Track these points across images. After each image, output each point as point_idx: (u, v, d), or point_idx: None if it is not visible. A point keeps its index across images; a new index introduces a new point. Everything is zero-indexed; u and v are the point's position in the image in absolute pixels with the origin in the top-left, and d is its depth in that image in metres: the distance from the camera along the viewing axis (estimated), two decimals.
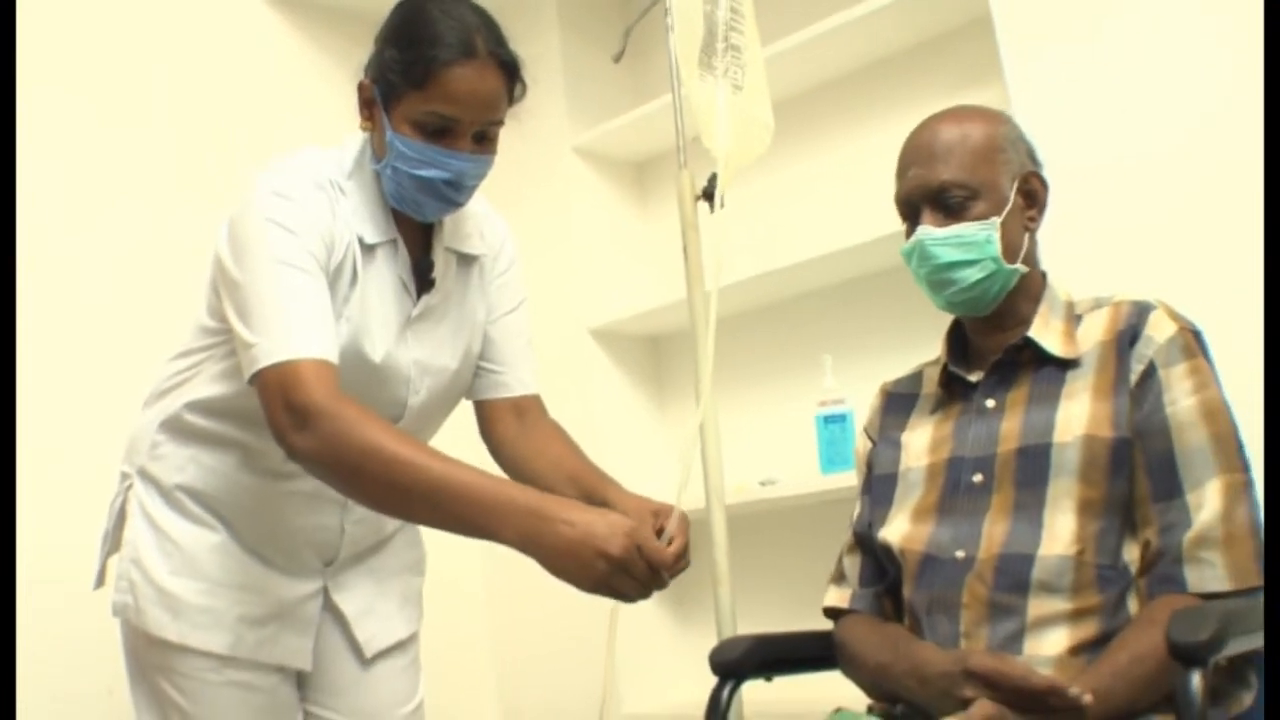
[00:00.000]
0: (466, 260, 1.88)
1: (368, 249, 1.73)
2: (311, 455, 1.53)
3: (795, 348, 2.96)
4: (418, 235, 1.81)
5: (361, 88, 1.73)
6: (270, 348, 1.56)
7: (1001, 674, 1.35)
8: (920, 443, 1.71)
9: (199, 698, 1.74)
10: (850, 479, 2.42)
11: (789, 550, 2.85)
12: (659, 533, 1.55)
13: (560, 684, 2.89)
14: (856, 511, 1.81)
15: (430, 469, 1.48)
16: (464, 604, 3.30)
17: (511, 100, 1.72)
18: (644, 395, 3.31)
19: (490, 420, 1.95)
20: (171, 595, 1.74)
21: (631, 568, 1.42)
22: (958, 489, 1.62)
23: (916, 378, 1.83)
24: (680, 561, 1.49)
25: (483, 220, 1.92)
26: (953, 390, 1.72)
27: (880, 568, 1.74)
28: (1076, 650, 1.48)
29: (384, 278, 1.75)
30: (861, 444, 1.86)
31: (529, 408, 1.96)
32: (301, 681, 1.85)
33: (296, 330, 1.57)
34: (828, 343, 2.81)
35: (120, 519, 1.82)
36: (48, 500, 2.43)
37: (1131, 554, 1.53)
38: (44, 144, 2.64)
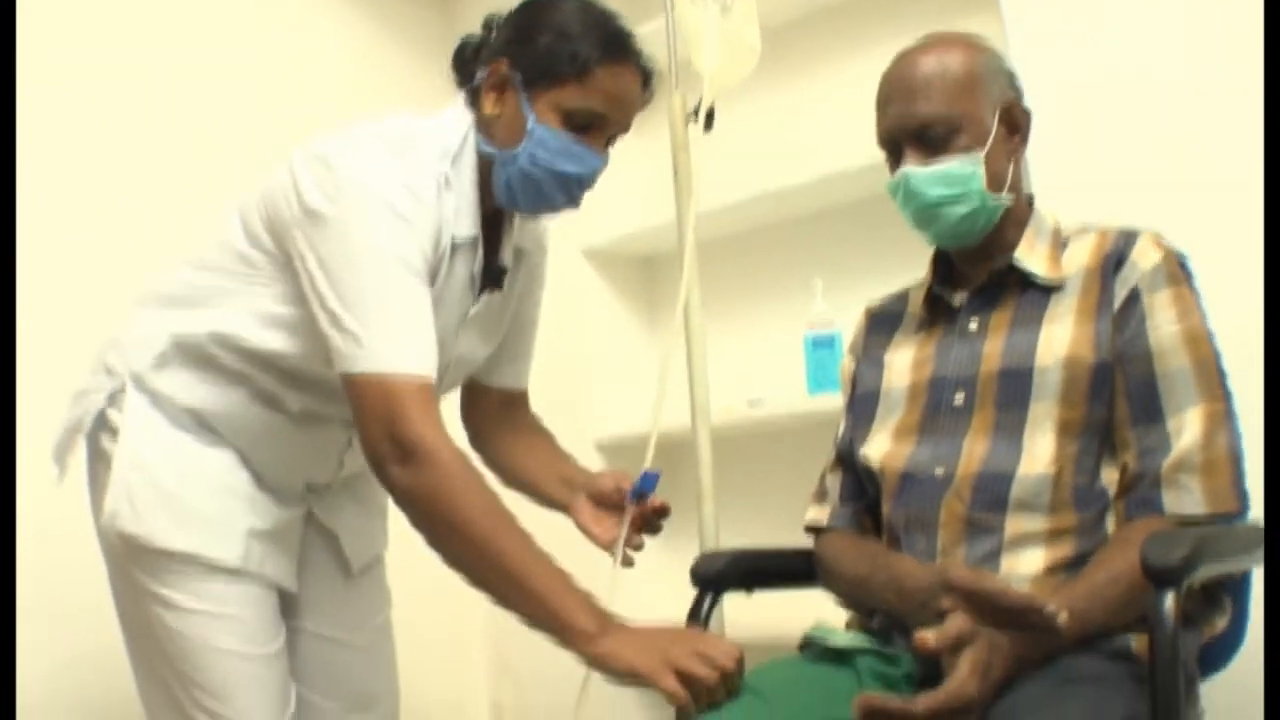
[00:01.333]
0: (520, 255, 1.87)
1: (454, 248, 1.68)
2: (408, 495, 1.54)
3: (786, 271, 2.95)
4: (489, 231, 1.76)
5: (496, 69, 1.67)
6: (377, 351, 1.53)
7: (980, 588, 1.37)
8: (903, 362, 1.72)
9: (197, 613, 1.69)
10: (836, 401, 2.40)
11: (774, 470, 2.86)
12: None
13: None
14: (840, 430, 1.82)
15: (521, 550, 1.50)
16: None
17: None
18: (636, 316, 3.31)
19: (475, 402, 1.97)
20: (180, 502, 1.69)
21: (706, 649, 1.41)
22: (939, 409, 1.64)
23: (901, 298, 1.83)
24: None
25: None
26: (936, 312, 1.73)
27: (860, 485, 1.76)
28: (1053, 569, 1.49)
29: (458, 276, 1.72)
30: (847, 363, 1.87)
31: (517, 402, 1.99)
32: (283, 599, 1.84)
33: (406, 340, 1.55)
34: (819, 267, 2.79)
35: (101, 419, 1.74)
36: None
37: (1109, 476, 1.54)
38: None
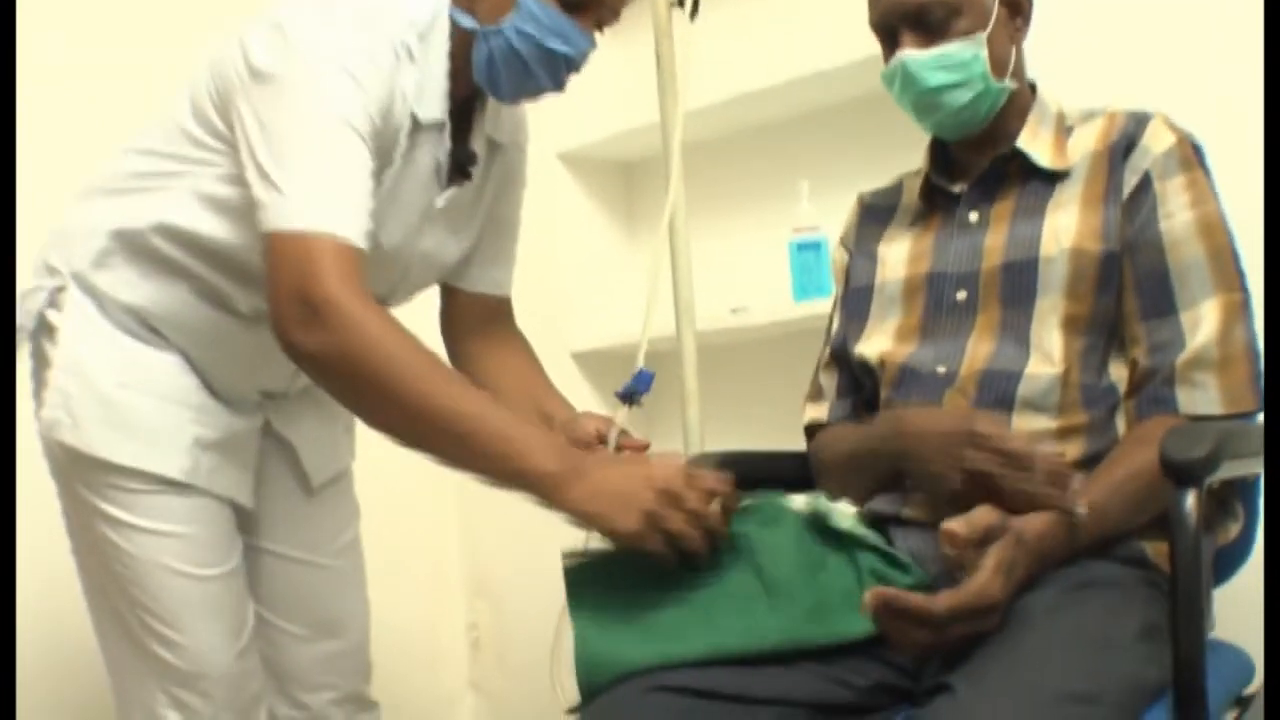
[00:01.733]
0: (494, 148, 1.74)
1: (416, 128, 1.56)
2: (317, 359, 1.37)
3: (771, 174, 2.85)
4: (455, 120, 1.63)
5: None
6: (297, 208, 1.39)
7: (1008, 448, 1.30)
8: (897, 255, 1.63)
9: (142, 531, 1.59)
10: (823, 307, 2.34)
11: (760, 380, 2.78)
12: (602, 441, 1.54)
13: (527, 549, 2.76)
14: (833, 326, 1.74)
15: (460, 399, 1.36)
16: (430, 476, 3.19)
17: None
18: (614, 224, 3.20)
19: (455, 310, 1.83)
20: (120, 410, 1.59)
21: (683, 497, 1.31)
22: (940, 307, 1.55)
23: (895, 189, 1.74)
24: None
25: (523, 105, 1.75)
26: (934, 202, 1.64)
27: (856, 381, 1.68)
28: None
29: (421, 162, 1.60)
30: (839, 256, 1.78)
31: (499, 312, 1.85)
32: (239, 516, 1.74)
33: (333, 200, 1.41)
34: (805, 169, 2.69)
35: (42, 322, 1.63)
36: None
37: (1118, 373, 1.48)
38: None
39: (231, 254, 1.57)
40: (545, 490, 1.32)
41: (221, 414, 1.67)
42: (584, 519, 1.33)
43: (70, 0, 2.58)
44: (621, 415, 1.62)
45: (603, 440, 1.62)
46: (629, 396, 1.64)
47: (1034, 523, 1.27)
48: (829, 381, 1.72)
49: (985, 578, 1.20)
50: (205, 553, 1.64)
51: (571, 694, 1.39)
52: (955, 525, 1.22)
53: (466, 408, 1.35)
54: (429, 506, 3.19)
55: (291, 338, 1.37)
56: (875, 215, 1.73)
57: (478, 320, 1.83)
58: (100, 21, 2.51)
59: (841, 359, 1.69)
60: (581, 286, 3.09)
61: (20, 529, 1.62)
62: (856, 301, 1.66)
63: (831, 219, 2.44)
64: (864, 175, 2.56)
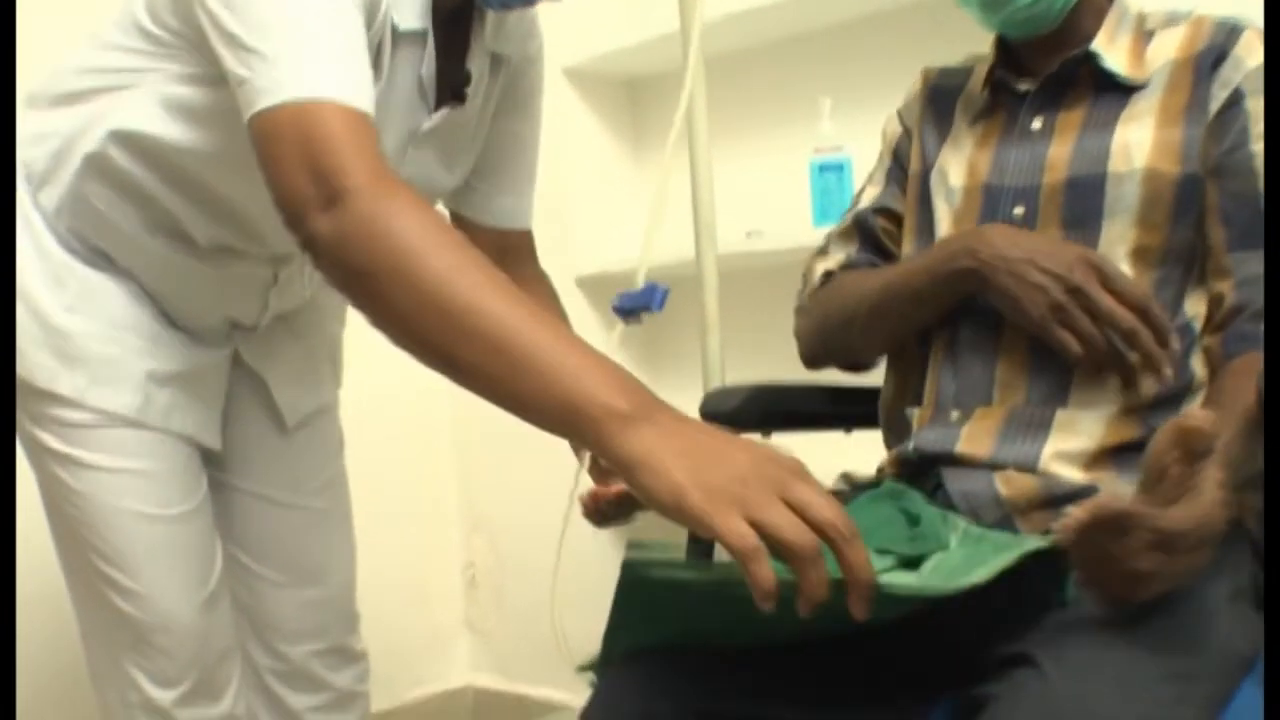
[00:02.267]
0: (497, 63, 1.53)
1: (397, 38, 1.35)
2: (337, 245, 1.09)
3: (791, 92, 2.69)
4: (447, 33, 1.42)
5: None
6: (290, 75, 1.14)
7: (1124, 280, 1.18)
8: (957, 165, 1.46)
9: (93, 469, 1.44)
10: None
11: (777, 309, 2.58)
12: None
13: (525, 484, 2.69)
14: (861, 194, 1.60)
15: (508, 303, 1.03)
16: (426, 408, 3.08)
17: None
18: (620, 143, 3.04)
19: None
20: (67, 337, 1.42)
21: (788, 488, 0.91)
22: (994, 221, 1.40)
23: (965, 71, 1.55)
24: None
25: (532, 15, 1.55)
26: (998, 99, 1.47)
27: (881, 251, 1.54)
28: (1131, 410, 1.28)
29: (402, 78, 1.39)
30: (891, 129, 1.61)
31: (518, 248, 1.64)
32: (207, 451, 1.58)
33: (333, 62, 1.17)
34: (826, 85, 2.53)
35: None
36: None
37: (1195, 308, 1.33)
38: None
39: (196, 172, 1.40)
40: (605, 432, 0.96)
41: (182, 345, 1.51)
42: (635, 465, 0.94)
43: None
44: (617, 334, 1.40)
45: None
46: (629, 311, 1.41)
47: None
48: (844, 248, 1.58)
49: (1212, 496, 0.96)
50: (162, 490, 1.48)
51: (573, 640, 1.29)
52: (1201, 419, 0.96)
53: (516, 313, 1.03)
54: (423, 438, 3.08)
55: (308, 223, 1.11)
56: (940, 99, 1.55)
57: (494, 255, 1.56)
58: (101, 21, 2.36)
59: (866, 231, 1.55)
60: (586, 209, 2.93)
61: (19, 528, 1.48)
62: (910, 184, 1.51)
63: (854, 138, 2.36)
64: (890, 93, 2.40)
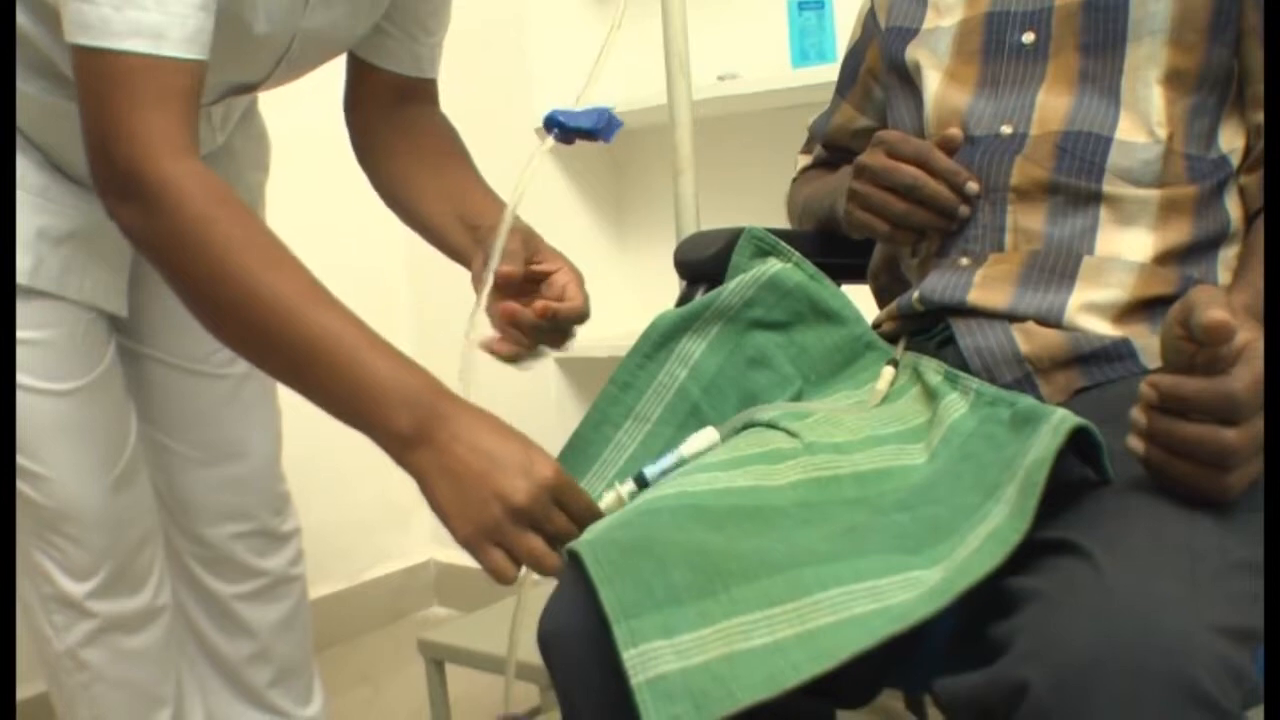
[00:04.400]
0: None
1: None
2: (141, 242, 1.08)
3: None
4: None
5: None
6: (105, 16, 1.03)
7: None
8: None
9: None
10: (827, 75, 2.04)
11: (753, 159, 2.48)
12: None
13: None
14: (829, 114, 1.49)
15: (306, 317, 1.04)
16: (381, 275, 2.91)
17: None
18: None
19: (361, 91, 1.46)
20: None
21: (541, 521, 1.02)
22: (1001, 51, 1.23)
23: None
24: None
25: None
26: None
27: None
28: (1163, 258, 1.14)
29: None
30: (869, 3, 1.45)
31: (417, 95, 1.47)
32: (115, 321, 1.43)
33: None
34: None
35: None
36: None
37: (1232, 141, 1.18)
38: None
39: (39, 52, 1.23)
40: (391, 450, 1.05)
41: (77, 199, 1.33)
42: (418, 479, 1.05)
43: None
44: (547, 146, 1.24)
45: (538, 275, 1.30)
46: (565, 129, 1.25)
47: None
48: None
49: (1257, 370, 0.82)
50: (59, 363, 1.32)
51: None
52: (1221, 313, 0.80)
53: (321, 321, 1.05)
54: (379, 307, 2.87)
55: (110, 208, 1.07)
56: None
57: (391, 101, 1.46)
58: None
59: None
60: (544, 49, 2.71)
61: None
62: (896, 39, 1.34)
63: None
64: None
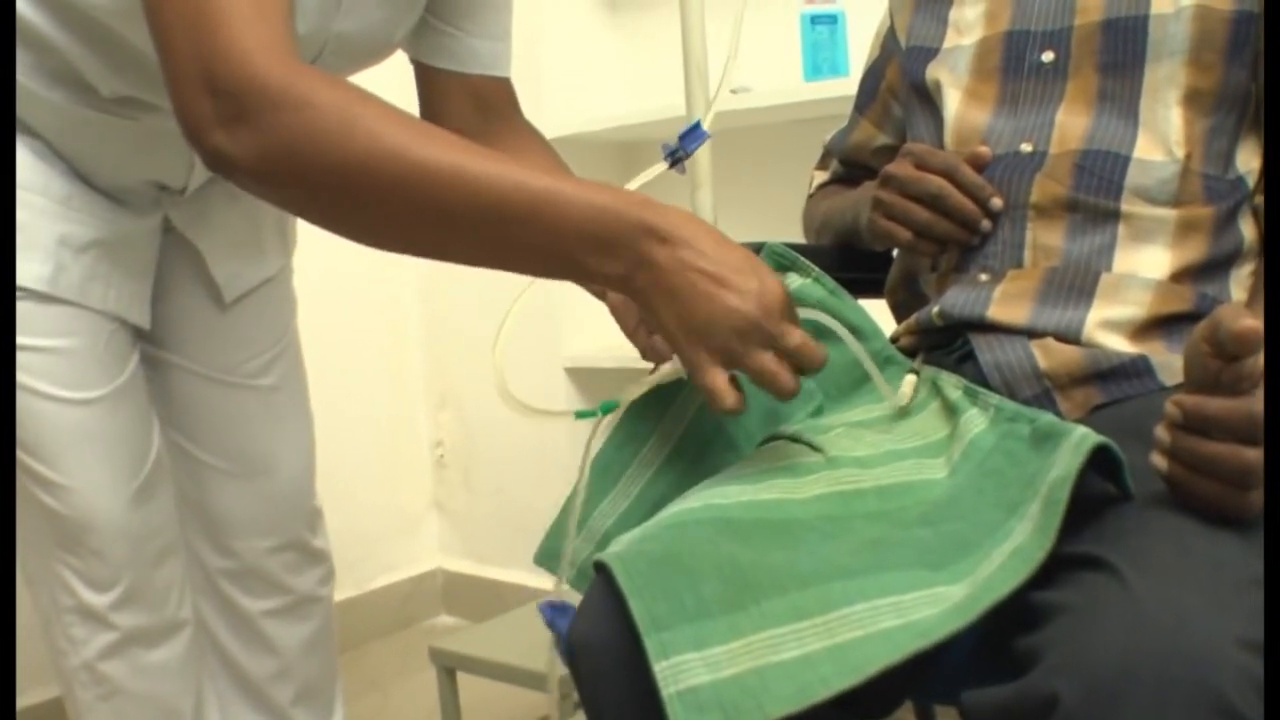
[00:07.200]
0: None
1: None
2: (256, 166, 0.97)
3: None
4: None
5: None
6: None
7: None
8: (973, 14, 1.30)
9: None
10: (839, 89, 2.08)
11: (764, 173, 2.49)
12: None
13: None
14: (847, 130, 1.50)
15: (486, 173, 0.96)
16: (390, 276, 2.94)
17: None
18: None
19: (438, 102, 1.42)
20: None
21: (775, 337, 0.98)
22: (1021, 69, 1.24)
23: None
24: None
25: None
26: None
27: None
28: (1179, 276, 1.15)
29: None
30: (886, 21, 1.46)
31: (497, 98, 1.43)
32: (140, 330, 1.41)
33: None
34: None
35: None
36: None
37: (1248, 161, 1.19)
38: None
39: (92, 12, 1.21)
40: (612, 286, 1.01)
41: (102, 209, 1.32)
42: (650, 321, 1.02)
43: None
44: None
45: None
46: (676, 156, 1.26)
47: None
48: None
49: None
50: (80, 372, 1.31)
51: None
52: (1251, 320, 0.81)
53: (497, 172, 0.97)
54: (388, 309, 2.93)
55: (212, 144, 0.97)
56: None
57: (471, 109, 1.41)
58: None
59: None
60: (557, 65, 2.74)
61: None
62: (915, 60, 1.35)
63: None
64: None
